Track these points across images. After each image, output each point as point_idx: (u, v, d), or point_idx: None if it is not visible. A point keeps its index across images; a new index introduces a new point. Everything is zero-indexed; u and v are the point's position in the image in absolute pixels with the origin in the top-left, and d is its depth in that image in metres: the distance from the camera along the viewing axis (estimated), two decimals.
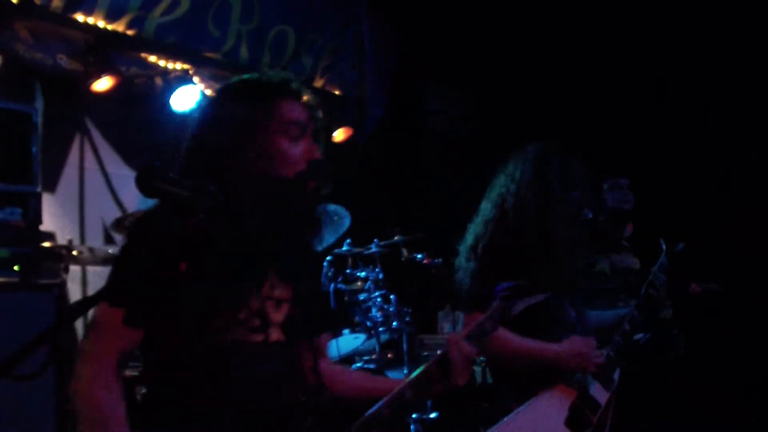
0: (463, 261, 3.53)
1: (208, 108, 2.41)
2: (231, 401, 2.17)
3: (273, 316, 2.28)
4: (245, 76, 2.41)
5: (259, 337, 2.23)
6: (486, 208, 3.58)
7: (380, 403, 2.38)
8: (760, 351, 4.88)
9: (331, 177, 2.36)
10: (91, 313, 2.13)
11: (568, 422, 3.24)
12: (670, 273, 3.68)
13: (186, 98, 5.91)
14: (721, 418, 3.89)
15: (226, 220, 2.09)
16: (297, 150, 2.28)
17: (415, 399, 2.44)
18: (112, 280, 2.21)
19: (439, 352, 2.50)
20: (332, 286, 5.87)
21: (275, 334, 2.28)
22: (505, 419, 3.24)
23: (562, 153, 3.59)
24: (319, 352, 2.52)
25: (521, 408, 3.25)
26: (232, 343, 2.18)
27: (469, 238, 3.55)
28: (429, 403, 5.13)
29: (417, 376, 2.45)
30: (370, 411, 2.37)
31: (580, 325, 3.55)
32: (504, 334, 3.25)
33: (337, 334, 5.60)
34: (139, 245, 2.19)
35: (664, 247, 3.74)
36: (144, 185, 2.01)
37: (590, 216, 3.57)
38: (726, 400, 3.87)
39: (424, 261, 5.97)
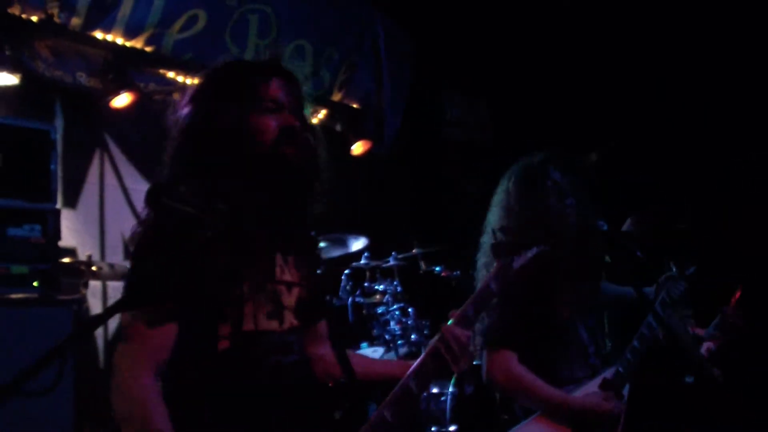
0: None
1: (192, 98, 2.44)
2: (257, 393, 2.18)
3: (285, 300, 2.30)
4: (226, 62, 2.46)
5: (275, 324, 2.25)
6: (491, 222, 3.56)
7: (383, 405, 2.35)
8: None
9: (311, 146, 2.38)
10: (115, 326, 2.15)
11: None
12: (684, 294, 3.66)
13: None
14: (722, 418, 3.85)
15: (232, 232, 2.11)
16: (272, 121, 2.31)
17: (420, 390, 2.42)
18: (128, 287, 2.24)
19: (432, 342, 2.48)
20: (350, 299, 5.88)
21: (289, 319, 2.30)
22: (515, 428, 3.24)
23: (557, 160, 3.56)
24: (319, 338, 2.55)
25: (527, 421, 3.25)
26: (255, 331, 2.20)
27: (482, 257, 3.53)
28: (448, 415, 5.12)
29: (416, 369, 2.42)
30: (374, 415, 2.34)
31: (593, 345, 3.54)
32: (528, 377, 3.25)
33: (355, 347, 5.61)
34: (149, 247, 2.20)
35: (673, 268, 3.72)
36: (153, 203, 2.03)
37: (605, 228, 3.53)
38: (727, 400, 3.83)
39: (443, 273, 5.96)
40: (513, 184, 3.54)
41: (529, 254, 2.67)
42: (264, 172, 2.27)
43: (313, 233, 2.51)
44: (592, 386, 3.32)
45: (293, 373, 2.28)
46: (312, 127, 2.52)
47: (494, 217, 3.55)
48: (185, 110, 2.39)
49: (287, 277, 2.34)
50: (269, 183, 2.28)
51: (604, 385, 3.29)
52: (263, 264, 2.27)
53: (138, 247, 2.24)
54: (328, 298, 2.72)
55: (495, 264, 2.62)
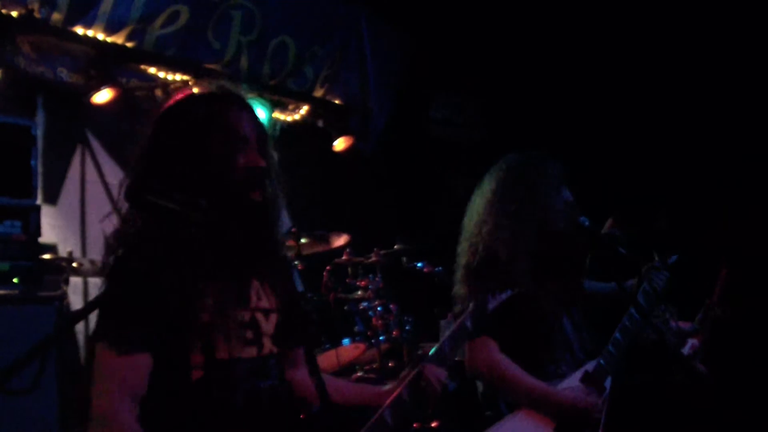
0: (458, 286, 3.51)
1: (163, 121, 2.40)
2: (233, 420, 2.17)
3: (264, 327, 2.29)
4: (195, 91, 2.44)
5: (253, 351, 2.24)
6: (467, 228, 3.57)
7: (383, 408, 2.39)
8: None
9: (277, 187, 2.38)
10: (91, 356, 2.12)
11: (558, 429, 3.24)
12: (666, 285, 3.67)
13: None
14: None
15: (212, 234, 2.11)
16: (240, 158, 2.30)
17: (395, 422, 2.44)
18: (102, 321, 2.17)
19: (407, 375, 2.50)
20: (332, 295, 5.88)
21: (268, 346, 2.29)
22: (495, 426, 3.25)
23: (534, 160, 3.58)
24: (297, 363, 2.55)
25: (511, 416, 3.26)
26: (228, 359, 2.19)
27: (461, 260, 3.54)
28: (431, 412, 5.14)
29: (393, 401, 2.46)
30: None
31: (577, 341, 3.56)
32: (508, 365, 3.27)
33: (337, 343, 5.60)
34: (123, 279, 2.17)
35: (656, 258, 3.73)
36: (134, 198, 2.03)
37: (587, 224, 3.55)
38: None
39: (425, 270, 5.96)
40: (502, 178, 3.54)
41: (503, 296, 2.71)
42: (231, 209, 2.26)
43: (287, 257, 2.53)
44: (574, 379, 3.33)
45: (271, 397, 2.27)
46: (275, 164, 2.49)
47: (476, 210, 3.56)
48: (152, 132, 2.37)
49: (264, 303, 2.34)
50: (237, 218, 2.27)
51: (586, 378, 3.31)
52: (238, 291, 2.26)
53: (115, 272, 2.21)
54: (306, 323, 2.71)
55: (471, 304, 2.65)
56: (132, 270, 2.15)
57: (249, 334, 2.25)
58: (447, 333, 2.57)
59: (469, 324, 2.58)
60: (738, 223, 5.71)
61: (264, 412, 2.24)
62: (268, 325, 2.32)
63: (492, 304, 2.69)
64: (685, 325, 3.98)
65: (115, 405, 2.07)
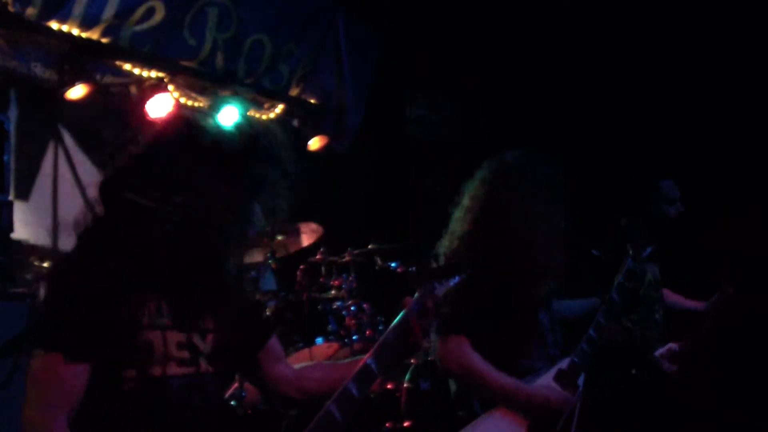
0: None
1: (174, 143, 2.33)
2: None
3: (201, 347, 2.27)
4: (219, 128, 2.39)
5: (190, 369, 2.23)
6: (459, 218, 3.58)
7: (347, 382, 2.36)
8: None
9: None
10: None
11: (532, 428, 3.26)
12: (639, 279, 3.68)
13: (161, 106, 5.91)
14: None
15: (185, 233, 2.10)
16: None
17: (381, 369, 2.43)
18: (43, 328, 2.14)
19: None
20: (306, 294, 5.88)
21: (204, 366, 2.27)
22: (468, 426, 3.26)
23: (532, 161, 3.59)
24: (274, 359, 2.54)
25: (485, 415, 3.27)
26: (161, 377, 2.16)
27: (445, 249, 3.54)
28: (403, 411, 5.14)
29: (377, 348, 2.44)
30: (339, 391, 2.34)
31: (553, 335, 3.58)
32: (480, 363, 3.27)
33: (310, 342, 5.60)
34: (68, 286, 2.13)
35: (630, 252, 3.73)
36: (107, 194, 2.02)
37: (564, 226, 3.57)
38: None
39: (399, 269, 5.97)
40: (489, 184, 3.55)
41: (451, 282, 2.70)
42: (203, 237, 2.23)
43: (233, 276, 2.45)
44: (548, 377, 3.35)
45: (204, 416, 2.25)
46: None
47: (461, 215, 3.57)
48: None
49: (203, 323, 2.30)
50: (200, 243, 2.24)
51: (559, 376, 3.32)
52: (178, 309, 2.23)
53: (60, 278, 2.18)
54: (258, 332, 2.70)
55: (417, 291, 2.64)
56: (78, 277, 2.12)
57: (185, 354, 2.22)
58: (394, 322, 2.53)
59: (415, 308, 2.56)
60: (739, 223, 5.72)
61: (196, 429, 2.22)
62: (205, 345, 2.29)
63: (440, 290, 2.67)
64: (699, 305, 3.95)
65: (48, 415, 2.04)
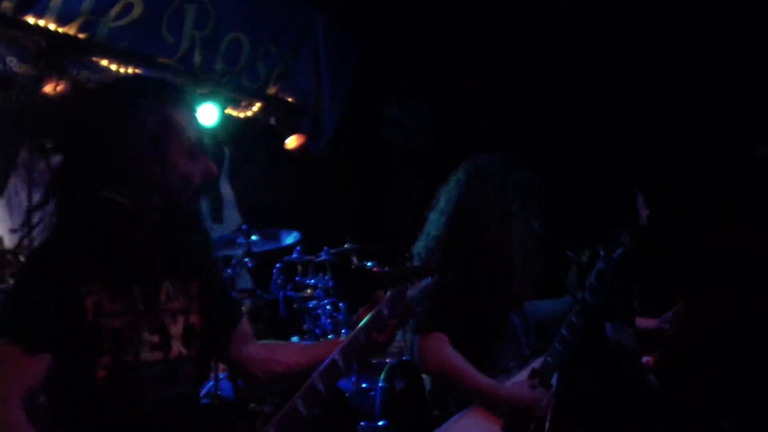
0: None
1: (100, 105, 2.27)
2: (137, 425, 2.15)
3: (172, 329, 2.26)
4: (135, 76, 2.35)
5: (159, 354, 2.21)
6: (434, 220, 3.59)
7: (313, 375, 2.36)
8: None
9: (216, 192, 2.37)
10: None
11: (506, 428, 3.28)
12: (610, 279, 3.69)
13: None
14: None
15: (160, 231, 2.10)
16: (196, 166, 2.25)
17: (347, 367, 2.44)
18: (7, 316, 2.14)
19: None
20: (282, 293, 5.88)
21: (176, 348, 2.26)
22: (444, 426, 3.28)
23: (507, 165, 3.61)
24: (243, 339, 2.54)
25: (459, 415, 3.29)
26: (134, 362, 2.16)
27: (420, 251, 3.55)
28: (378, 411, 5.15)
29: (345, 345, 2.44)
30: (305, 384, 2.34)
31: (525, 336, 3.60)
32: (458, 361, 3.29)
33: (286, 341, 5.61)
34: (35, 275, 2.14)
35: (602, 253, 3.76)
36: (86, 194, 2.01)
37: (539, 229, 3.59)
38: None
39: (374, 269, 5.99)
40: (465, 186, 3.57)
41: (423, 283, 2.71)
42: (172, 209, 2.22)
43: (205, 254, 2.45)
44: (522, 376, 3.37)
45: (178, 405, 2.25)
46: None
47: (437, 217, 3.58)
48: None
49: (174, 304, 2.28)
50: (171, 217, 2.23)
51: (533, 375, 3.35)
52: (148, 293, 2.21)
53: (24, 272, 2.21)
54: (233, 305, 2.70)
55: (389, 291, 2.64)
56: (44, 268, 2.12)
57: (156, 338, 2.21)
58: (364, 322, 2.54)
59: (385, 312, 2.56)
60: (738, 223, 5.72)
61: (170, 419, 2.22)
62: (177, 327, 2.27)
63: (411, 291, 2.68)
64: (651, 323, 4.00)
65: (6, 404, 2.03)
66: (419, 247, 3.56)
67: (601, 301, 3.59)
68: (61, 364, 2.10)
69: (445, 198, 3.62)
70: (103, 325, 2.11)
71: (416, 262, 3.46)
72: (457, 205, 3.53)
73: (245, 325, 2.62)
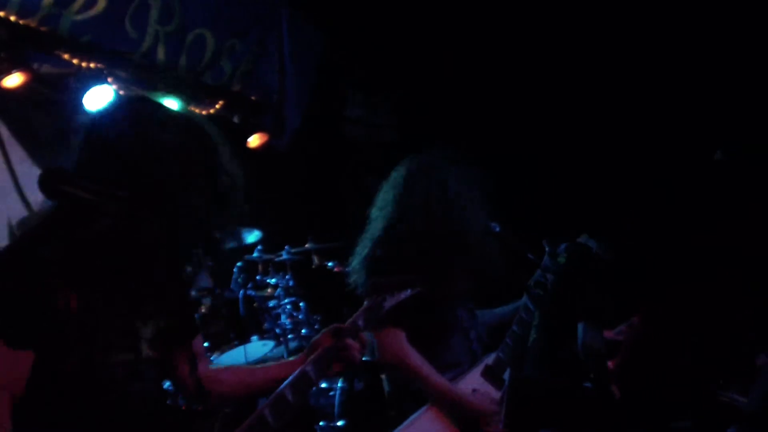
0: (358, 275, 3.55)
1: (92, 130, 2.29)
2: (102, 424, 2.16)
3: (142, 332, 2.27)
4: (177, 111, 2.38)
5: (129, 356, 2.22)
6: (377, 218, 3.61)
7: (284, 385, 2.39)
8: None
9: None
10: None
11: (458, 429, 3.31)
12: (557, 274, 3.73)
13: (99, 98, 5.83)
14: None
15: (124, 227, 2.09)
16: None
17: (318, 377, 2.47)
18: None
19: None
20: (242, 292, 5.87)
21: (146, 351, 2.27)
22: (402, 425, 3.30)
23: (448, 160, 3.64)
24: (199, 353, 2.56)
25: (414, 416, 3.31)
26: (103, 362, 2.16)
27: (363, 250, 3.57)
28: (337, 411, 5.17)
29: (317, 356, 2.47)
30: (274, 394, 2.37)
31: (474, 331, 3.63)
32: (415, 357, 3.31)
33: (245, 340, 5.59)
34: (13, 273, 2.12)
35: (547, 248, 3.81)
36: (47, 187, 2.00)
37: (497, 229, 3.63)
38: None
39: (336, 269, 6.00)
40: (407, 178, 3.58)
41: (402, 296, 2.74)
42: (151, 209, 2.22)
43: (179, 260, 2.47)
44: (476, 373, 3.41)
45: (144, 403, 2.26)
46: None
47: (379, 215, 3.59)
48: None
49: (144, 308, 2.30)
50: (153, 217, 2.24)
51: (487, 372, 3.38)
52: (120, 295, 2.22)
53: (5, 265, 2.16)
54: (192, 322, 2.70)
55: (366, 302, 2.67)
56: (22, 264, 2.10)
57: (126, 341, 2.22)
58: (342, 330, 2.57)
59: (361, 323, 2.59)
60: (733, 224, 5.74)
61: (136, 417, 2.23)
62: (147, 330, 2.29)
63: (389, 303, 2.71)
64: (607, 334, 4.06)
65: None
66: (361, 245, 3.59)
67: (549, 297, 3.64)
68: (35, 362, 2.10)
69: (384, 196, 3.64)
70: (75, 325, 2.10)
71: (355, 260, 3.50)
72: (397, 202, 3.56)
73: (199, 343, 2.62)
